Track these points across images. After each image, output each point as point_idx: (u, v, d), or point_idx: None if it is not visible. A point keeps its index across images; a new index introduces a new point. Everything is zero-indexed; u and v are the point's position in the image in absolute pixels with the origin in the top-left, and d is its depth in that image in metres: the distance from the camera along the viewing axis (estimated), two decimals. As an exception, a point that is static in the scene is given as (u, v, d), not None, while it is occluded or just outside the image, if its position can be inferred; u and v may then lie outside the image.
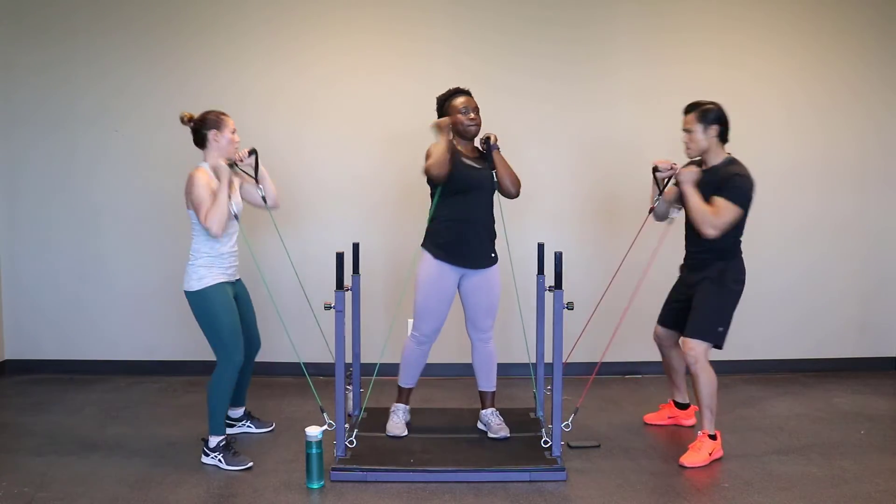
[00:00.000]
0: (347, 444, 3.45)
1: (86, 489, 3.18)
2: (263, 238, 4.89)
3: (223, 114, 3.52)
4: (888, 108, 5.08)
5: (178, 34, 4.89)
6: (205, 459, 3.46)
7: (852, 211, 5.11)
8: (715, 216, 3.44)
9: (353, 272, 4.02)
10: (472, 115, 3.59)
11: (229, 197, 3.41)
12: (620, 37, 4.95)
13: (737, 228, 3.53)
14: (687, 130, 3.57)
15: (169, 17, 4.88)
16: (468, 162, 3.59)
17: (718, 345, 3.56)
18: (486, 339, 3.74)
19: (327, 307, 3.34)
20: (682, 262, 3.83)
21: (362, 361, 4.09)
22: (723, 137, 3.55)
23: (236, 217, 3.51)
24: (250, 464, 3.42)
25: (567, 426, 3.43)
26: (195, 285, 3.40)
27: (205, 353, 3.80)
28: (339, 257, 3.45)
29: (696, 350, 3.51)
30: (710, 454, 3.47)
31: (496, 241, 3.72)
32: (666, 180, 3.69)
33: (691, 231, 3.64)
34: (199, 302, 3.40)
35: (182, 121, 3.53)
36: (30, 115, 4.94)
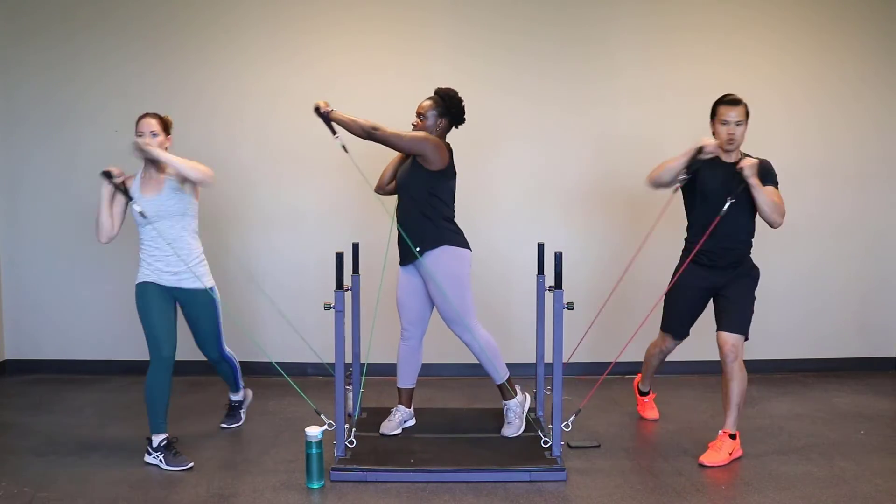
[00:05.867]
0: (347, 444, 3.45)
1: (86, 489, 3.18)
2: (261, 238, 4.89)
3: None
4: (888, 109, 5.08)
5: (178, 34, 4.89)
6: (147, 458, 3.44)
7: (852, 211, 5.11)
8: (782, 204, 3.48)
9: (353, 272, 4.02)
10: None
11: (131, 199, 3.47)
12: (621, 36, 4.95)
13: None
14: (738, 123, 3.46)
15: (169, 17, 4.88)
16: (402, 164, 3.71)
17: (747, 336, 3.56)
18: (466, 335, 3.58)
19: (327, 307, 3.35)
20: (682, 262, 3.65)
21: (362, 361, 4.09)
22: None
23: (143, 214, 3.45)
24: (191, 464, 3.40)
25: (567, 426, 3.43)
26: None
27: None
28: (339, 257, 3.45)
29: (739, 345, 3.49)
30: (730, 454, 3.47)
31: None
32: (694, 161, 3.43)
33: (725, 227, 3.47)
34: (136, 297, 3.52)
35: None
36: (30, 114, 4.94)
